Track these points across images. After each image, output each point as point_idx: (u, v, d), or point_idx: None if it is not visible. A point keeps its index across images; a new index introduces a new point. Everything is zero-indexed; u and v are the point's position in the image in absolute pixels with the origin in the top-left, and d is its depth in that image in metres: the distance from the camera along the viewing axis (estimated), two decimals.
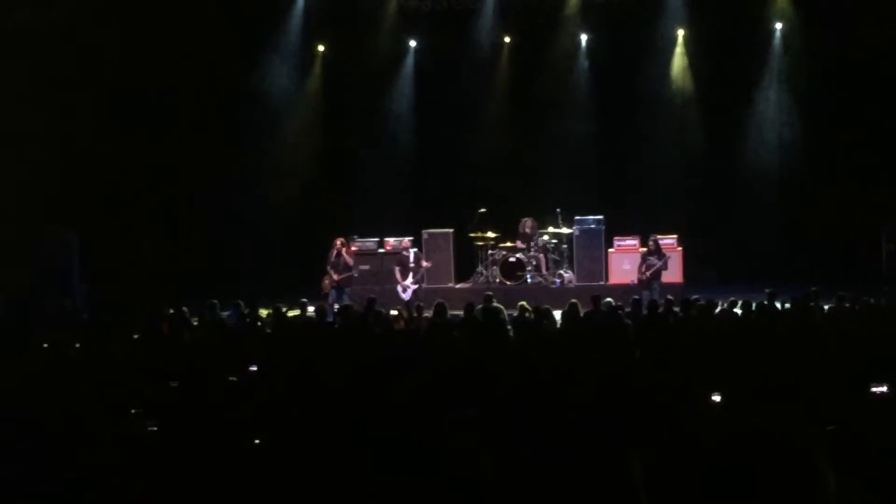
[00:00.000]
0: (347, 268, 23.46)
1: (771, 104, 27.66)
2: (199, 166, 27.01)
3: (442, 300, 17.87)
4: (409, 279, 23.82)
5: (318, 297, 22.47)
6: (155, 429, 8.96)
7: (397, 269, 24.04)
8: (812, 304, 16.48)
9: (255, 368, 12.62)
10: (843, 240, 25.41)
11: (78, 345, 14.42)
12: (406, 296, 23.43)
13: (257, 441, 8.58)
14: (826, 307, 16.96)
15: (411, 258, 24.05)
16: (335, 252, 23.44)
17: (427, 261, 24.59)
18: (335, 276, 23.28)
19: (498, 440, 8.51)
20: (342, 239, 23.79)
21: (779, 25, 27.39)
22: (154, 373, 11.79)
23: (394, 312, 19.40)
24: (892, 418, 8.81)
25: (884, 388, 10.02)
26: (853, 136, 26.08)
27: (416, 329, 16.54)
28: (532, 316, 16.72)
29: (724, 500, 7.45)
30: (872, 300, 17.49)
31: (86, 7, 24.51)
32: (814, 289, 16.96)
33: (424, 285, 24.28)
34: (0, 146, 23.87)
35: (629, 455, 7.07)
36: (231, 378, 11.43)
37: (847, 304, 16.79)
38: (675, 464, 7.97)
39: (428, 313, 18.13)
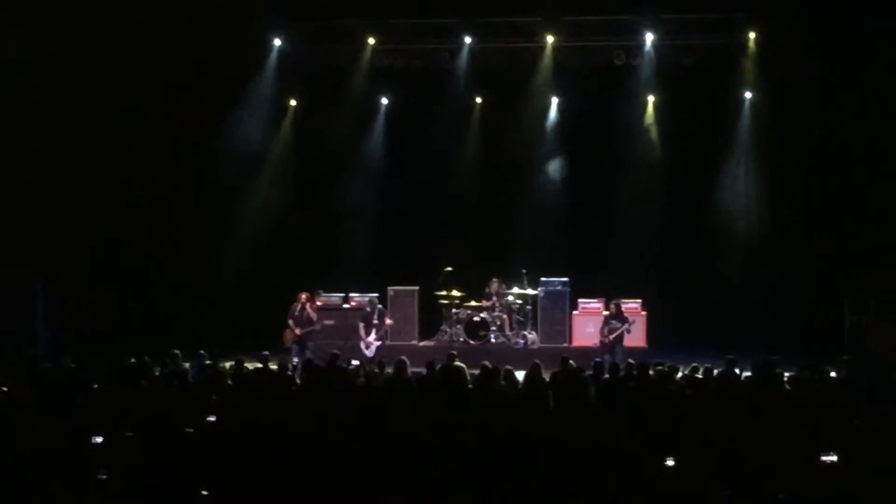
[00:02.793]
0: (310, 322, 23.36)
1: (739, 172, 27.83)
2: (168, 216, 26.99)
3: (403, 357, 17.85)
4: (373, 335, 23.78)
5: (279, 350, 22.38)
6: (105, 477, 8.95)
7: (361, 325, 23.97)
8: (771, 372, 16.52)
9: (213, 419, 12.59)
10: (806, 309, 25.57)
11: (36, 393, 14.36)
12: (369, 352, 23.36)
13: (205, 493, 8.58)
14: (786, 375, 17.00)
15: (375, 315, 24.02)
16: (299, 306, 23.34)
17: (390, 318, 24.56)
18: (297, 331, 23.18)
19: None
20: (307, 293, 23.70)
21: (748, 95, 27.63)
22: (111, 422, 11.75)
23: (355, 362, 19.39)
24: (839, 486, 8.88)
25: (833, 458, 10.09)
26: (820, 207, 26.36)
27: (376, 385, 16.50)
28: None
29: None
30: (832, 371, 17.54)
31: (56, 55, 24.45)
32: (773, 357, 16.97)
33: (388, 342, 24.25)
34: None
35: None
36: (188, 429, 11.39)
37: (806, 374, 16.84)
38: None
39: (390, 370, 18.09)
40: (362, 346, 23.59)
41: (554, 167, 28.84)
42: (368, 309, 24.22)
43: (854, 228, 25.82)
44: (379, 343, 23.74)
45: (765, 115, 27.36)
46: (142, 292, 26.54)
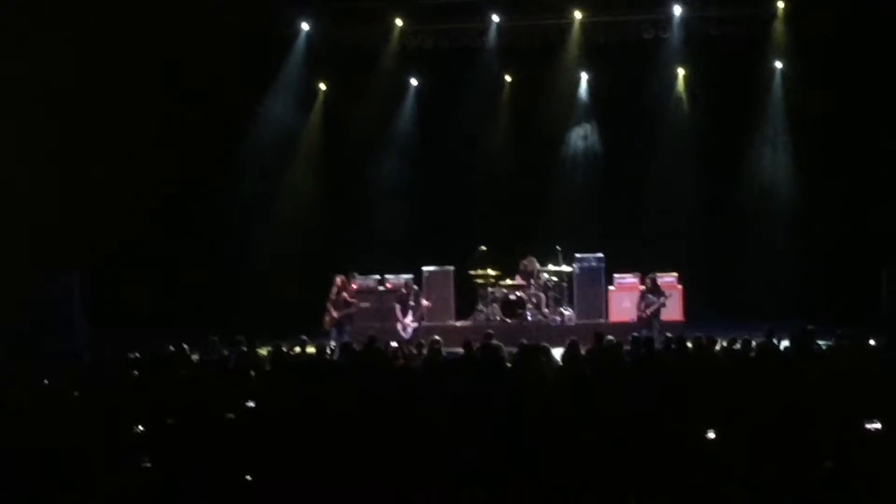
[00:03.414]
0: (347, 305, 23.42)
1: (772, 143, 27.70)
2: (201, 204, 27.04)
3: (436, 337, 17.88)
4: (410, 317, 23.77)
5: (318, 334, 22.45)
6: (149, 465, 8.98)
7: (398, 306, 23.97)
8: (810, 342, 16.45)
9: (252, 405, 12.61)
10: (844, 278, 25.42)
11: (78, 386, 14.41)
12: (406, 334, 23.35)
13: (249, 478, 8.59)
14: (824, 345, 16.92)
15: (411, 296, 24.01)
16: (335, 289, 23.40)
17: (427, 299, 24.56)
18: (335, 314, 23.24)
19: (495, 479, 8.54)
20: (342, 276, 23.74)
21: (778, 64, 27.47)
22: (152, 410, 11.78)
23: (394, 344, 19.41)
24: (885, 454, 8.83)
25: (878, 425, 10.04)
26: (856, 175, 26.13)
27: (414, 367, 16.52)
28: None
29: None
30: (871, 340, 17.45)
31: (83, 43, 24.48)
32: (810, 327, 16.89)
33: (424, 323, 24.24)
34: None
35: (628, 496, 7.10)
36: (229, 415, 11.42)
37: (845, 343, 16.76)
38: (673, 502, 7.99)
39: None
40: (399, 327, 23.60)
41: (580, 135, 28.74)
42: (404, 290, 24.22)
43: (890, 194, 25.59)
44: (416, 325, 23.72)
45: (796, 85, 27.18)
46: (177, 281, 26.57)
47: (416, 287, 24.55)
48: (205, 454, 9.12)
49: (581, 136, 28.81)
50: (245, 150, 27.79)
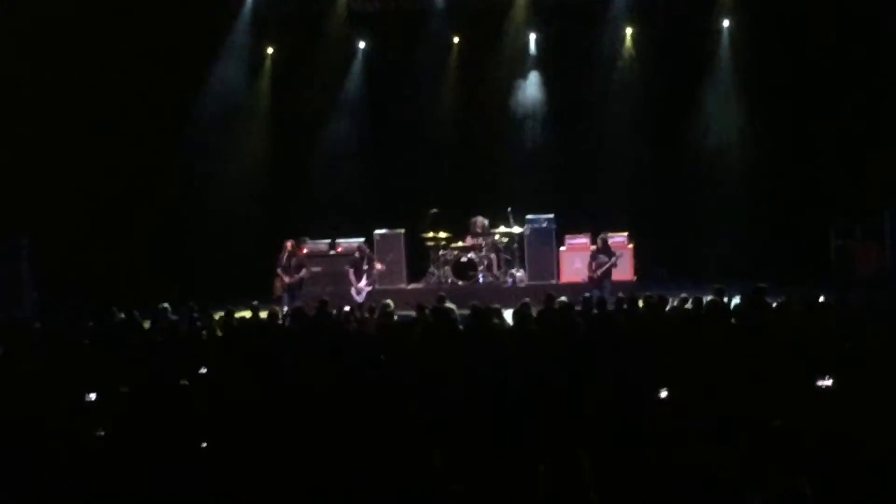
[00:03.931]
0: (298, 269, 23.32)
1: (719, 102, 27.77)
2: (148, 168, 26.83)
3: (387, 301, 17.91)
4: (364, 281, 23.71)
5: (269, 299, 22.40)
6: (102, 434, 8.95)
7: (351, 270, 23.89)
8: (760, 299, 16.58)
9: (204, 371, 12.60)
10: (792, 237, 25.60)
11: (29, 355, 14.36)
12: (360, 298, 23.27)
13: (204, 445, 8.58)
14: (774, 303, 17.05)
15: (364, 260, 23.93)
16: (286, 254, 23.31)
17: (381, 263, 24.49)
18: (286, 279, 23.15)
19: (451, 440, 8.56)
20: (292, 241, 23.63)
21: (726, 23, 27.56)
22: (104, 378, 11.74)
23: (346, 309, 19.41)
24: (836, 411, 8.92)
25: (828, 382, 10.14)
26: (802, 133, 26.27)
27: (366, 330, 16.55)
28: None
29: (671, 496, 7.53)
30: (821, 297, 17.61)
31: (32, 11, 24.25)
32: (761, 285, 17.02)
33: (377, 286, 24.19)
34: None
35: (579, 453, 7.13)
36: (182, 382, 11.39)
37: (795, 299, 16.90)
38: (623, 461, 8.04)
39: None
40: (353, 291, 23.54)
41: (528, 93, 28.73)
42: (357, 255, 24.12)
43: (837, 154, 25.75)
44: (370, 288, 23.65)
45: (743, 43, 27.25)
46: (126, 247, 26.37)
47: (369, 251, 24.46)
48: (160, 422, 9.09)
49: (528, 96, 28.73)
50: (194, 115, 27.57)
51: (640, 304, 17.26)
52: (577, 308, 17.43)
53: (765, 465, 7.40)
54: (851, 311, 15.76)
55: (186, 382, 10.97)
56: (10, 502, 7.77)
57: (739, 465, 7.60)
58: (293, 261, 23.25)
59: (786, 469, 6.91)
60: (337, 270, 24.74)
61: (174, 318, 18.23)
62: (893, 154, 24.34)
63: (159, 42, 26.03)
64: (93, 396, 11.08)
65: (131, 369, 12.49)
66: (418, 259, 26.37)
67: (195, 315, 18.24)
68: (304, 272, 23.49)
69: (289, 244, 23.41)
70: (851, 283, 22.33)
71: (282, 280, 23.16)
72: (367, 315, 18.47)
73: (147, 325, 17.53)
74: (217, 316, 18.68)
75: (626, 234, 25.15)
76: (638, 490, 7.63)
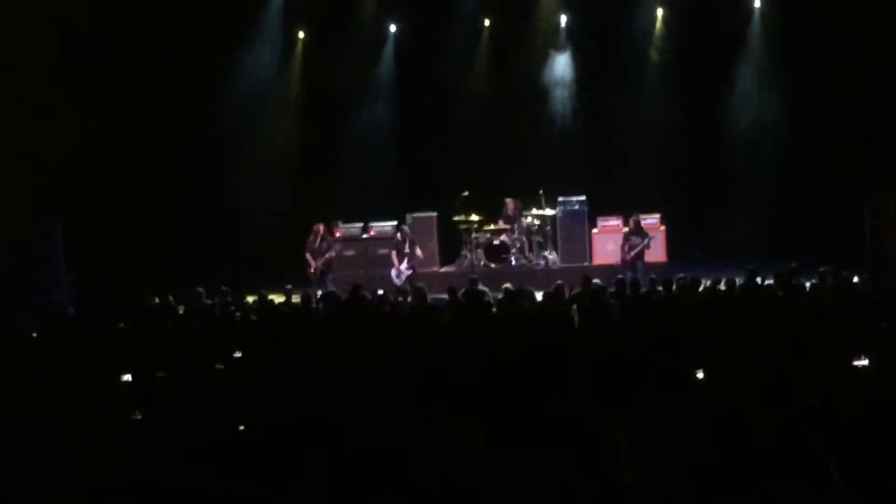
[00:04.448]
0: (325, 252, 23.27)
1: (752, 82, 27.65)
2: (181, 153, 26.93)
3: (420, 284, 17.92)
4: (405, 264, 23.69)
5: (303, 283, 22.43)
6: (139, 417, 8.98)
7: (393, 252, 23.88)
8: (794, 280, 16.52)
9: (239, 355, 12.64)
10: (825, 216, 25.49)
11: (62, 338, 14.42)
12: (399, 281, 23.28)
13: (242, 427, 8.60)
14: (808, 283, 16.99)
15: (406, 244, 23.90)
16: (317, 238, 23.32)
17: (421, 249, 24.35)
18: (316, 262, 23.15)
19: (492, 423, 8.55)
20: (324, 224, 23.67)
21: (757, 3, 27.42)
22: (139, 362, 11.78)
23: (380, 292, 19.43)
24: (873, 390, 8.87)
25: (865, 362, 10.09)
26: (835, 112, 26.11)
27: (399, 314, 16.55)
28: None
29: (706, 475, 7.51)
30: (855, 276, 17.52)
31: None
32: (794, 265, 16.97)
33: (417, 271, 24.13)
34: None
35: (616, 432, 7.11)
36: (218, 366, 11.44)
37: (829, 279, 16.83)
38: (660, 439, 8.02)
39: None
40: (392, 273, 23.53)
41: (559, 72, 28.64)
42: (400, 237, 24.11)
43: (871, 132, 25.60)
44: (410, 272, 23.62)
45: (776, 21, 27.11)
46: (160, 231, 26.45)
47: (412, 235, 24.39)
48: (196, 405, 9.13)
49: (560, 77, 28.63)
50: (226, 100, 27.60)
51: (673, 286, 17.22)
52: (611, 290, 17.41)
53: (799, 445, 7.36)
54: (885, 291, 15.67)
55: (222, 366, 11.01)
56: (42, 485, 7.81)
57: (776, 445, 7.57)
58: (322, 245, 23.26)
59: (817, 449, 6.87)
60: (370, 254, 24.81)
61: (209, 302, 18.31)
62: None
63: (193, 26, 26.05)
64: (129, 379, 11.13)
65: (167, 353, 12.53)
66: (451, 242, 26.35)
67: (229, 299, 18.32)
68: (330, 254, 23.42)
69: (320, 227, 23.43)
70: (885, 263, 22.20)
71: (312, 264, 23.16)
72: (399, 299, 18.49)
73: (181, 309, 17.59)
74: (251, 300, 18.75)
75: (658, 215, 25.08)
76: (674, 471, 7.61)
